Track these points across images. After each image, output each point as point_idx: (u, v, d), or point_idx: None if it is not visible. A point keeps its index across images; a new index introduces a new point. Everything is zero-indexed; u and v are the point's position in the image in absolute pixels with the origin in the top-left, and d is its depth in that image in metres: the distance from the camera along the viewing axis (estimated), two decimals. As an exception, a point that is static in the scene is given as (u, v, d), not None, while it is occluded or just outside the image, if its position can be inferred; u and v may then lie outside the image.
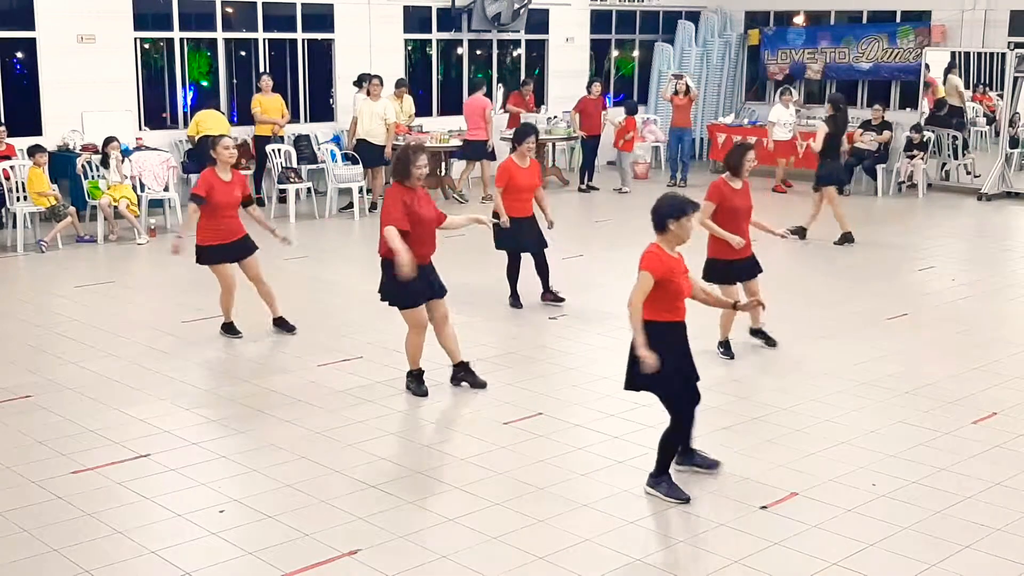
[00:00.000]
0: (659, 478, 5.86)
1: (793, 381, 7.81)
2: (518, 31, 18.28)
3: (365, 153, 14.70)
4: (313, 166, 14.97)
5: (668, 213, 5.68)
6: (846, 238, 12.79)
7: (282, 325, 8.85)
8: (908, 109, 18.44)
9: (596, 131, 16.91)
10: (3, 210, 12.58)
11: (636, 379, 5.76)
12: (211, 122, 14.11)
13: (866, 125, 16.98)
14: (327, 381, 7.71)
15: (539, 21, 18.58)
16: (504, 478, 6.07)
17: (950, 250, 12.82)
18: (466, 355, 7.83)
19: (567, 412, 7.10)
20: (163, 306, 9.60)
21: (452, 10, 17.39)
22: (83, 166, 12.99)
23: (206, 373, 8.06)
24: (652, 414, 7.11)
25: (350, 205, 14.47)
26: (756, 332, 8.68)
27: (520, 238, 9.59)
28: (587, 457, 6.38)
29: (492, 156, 15.98)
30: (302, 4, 15.95)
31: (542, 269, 9.81)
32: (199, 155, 14.20)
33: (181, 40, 15.07)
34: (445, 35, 17.68)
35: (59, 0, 13.76)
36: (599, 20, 19.60)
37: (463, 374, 7.59)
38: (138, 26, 14.56)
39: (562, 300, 9.80)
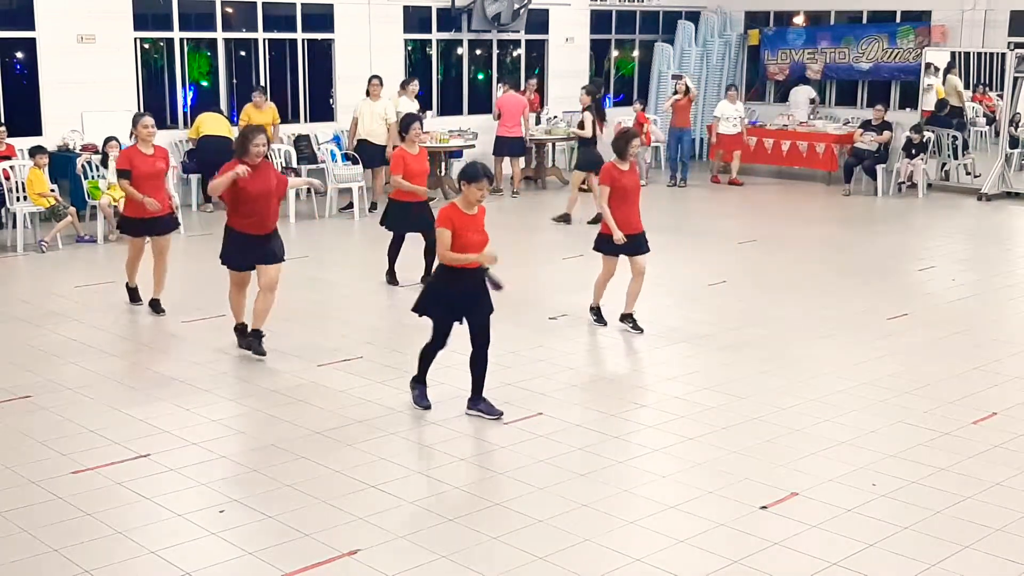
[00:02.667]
0: (418, 385, 7.15)
1: (793, 381, 7.81)
2: (518, 31, 18.28)
3: (366, 153, 14.69)
4: (313, 166, 14.95)
5: (462, 176, 6.80)
6: (564, 218, 13.78)
7: (155, 307, 9.42)
8: (908, 109, 18.44)
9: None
10: (3, 210, 12.58)
11: (419, 306, 7.00)
12: (212, 124, 14.10)
13: (866, 125, 16.98)
14: (327, 381, 7.71)
15: (539, 21, 18.58)
16: (504, 478, 6.08)
17: (950, 250, 12.82)
18: (467, 355, 7.77)
19: (567, 412, 7.10)
20: (163, 306, 9.59)
21: (452, 10, 17.39)
22: (83, 166, 12.99)
23: (206, 373, 8.05)
24: (652, 414, 7.14)
25: (350, 205, 14.46)
26: (625, 317, 8.95)
27: (410, 220, 10.20)
28: (587, 457, 6.37)
29: (524, 152, 16.50)
30: (302, 4, 15.95)
31: (430, 252, 10.15)
32: (200, 156, 14.20)
33: (181, 40, 15.08)
34: (445, 35, 17.69)
35: (59, 0, 13.76)
36: (599, 20, 19.60)
37: (252, 339, 8.21)
38: (138, 26, 14.56)
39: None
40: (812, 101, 19.50)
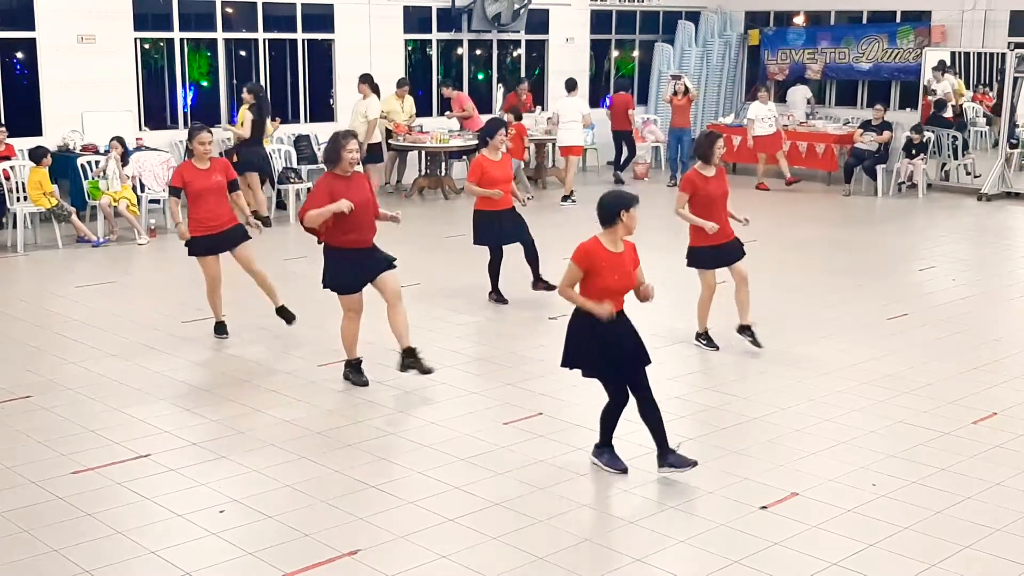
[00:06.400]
0: (602, 449, 6.22)
1: (793, 381, 7.81)
2: (518, 31, 18.27)
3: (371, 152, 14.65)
4: (313, 166, 14.92)
5: (618, 205, 5.95)
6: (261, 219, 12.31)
7: (283, 315, 8.79)
8: (908, 109, 18.44)
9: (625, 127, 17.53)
10: (3, 210, 12.57)
11: (569, 358, 6.12)
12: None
13: (866, 125, 16.98)
14: (327, 381, 7.71)
15: (539, 21, 18.58)
16: (504, 478, 6.07)
17: (950, 250, 12.82)
18: (467, 355, 7.81)
19: (567, 412, 7.10)
20: (163, 306, 9.59)
21: (452, 10, 17.39)
22: (83, 166, 12.97)
23: (206, 373, 8.06)
24: (652, 414, 7.13)
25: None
26: (744, 329, 8.55)
27: (500, 231, 9.74)
28: (587, 457, 6.37)
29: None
30: (302, 4, 15.95)
31: (531, 257, 9.89)
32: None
33: (181, 40, 15.07)
34: (445, 35, 17.68)
35: (59, 0, 13.76)
36: (599, 20, 19.60)
37: (410, 360, 7.55)
38: (138, 26, 14.56)
39: (553, 288, 9.77)
40: (808, 101, 19.50)
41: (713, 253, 8.38)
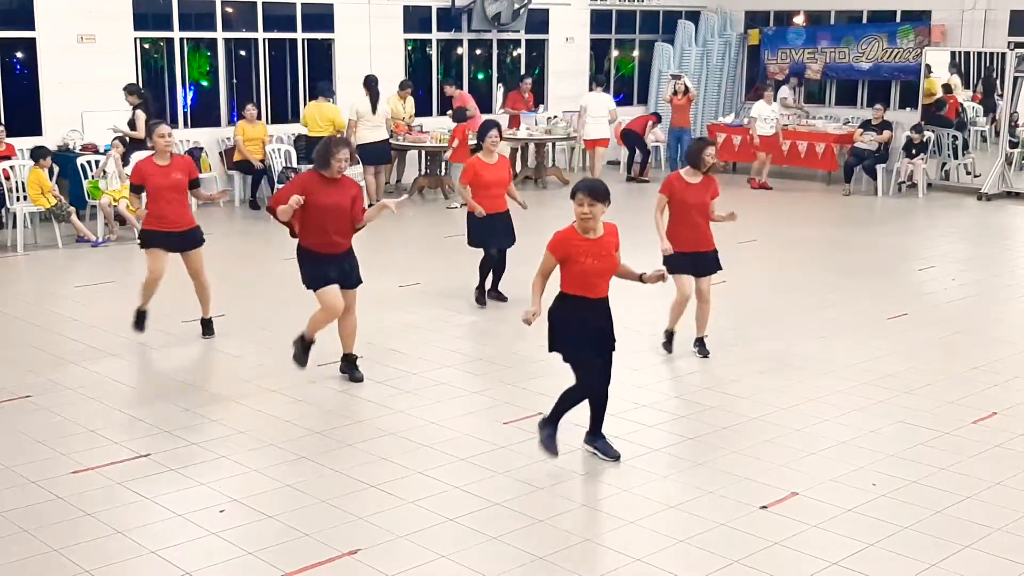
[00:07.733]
0: (546, 425, 6.23)
1: (793, 381, 7.81)
2: (518, 31, 18.29)
3: (364, 153, 14.67)
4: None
5: (572, 192, 6.03)
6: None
7: (206, 327, 8.77)
8: (908, 109, 18.45)
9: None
10: (3, 210, 12.57)
11: (553, 344, 6.20)
12: (315, 117, 14.18)
13: (866, 125, 16.99)
14: (327, 381, 7.71)
15: (539, 21, 18.59)
16: (504, 478, 6.07)
17: (950, 250, 12.82)
18: (467, 355, 7.78)
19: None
20: (163, 306, 9.58)
21: (452, 10, 17.40)
22: (83, 166, 12.98)
23: (206, 373, 8.06)
24: (652, 414, 7.13)
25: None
26: (698, 341, 8.39)
27: (490, 234, 9.73)
28: (587, 457, 6.37)
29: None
30: (302, 4, 15.96)
31: (499, 267, 9.92)
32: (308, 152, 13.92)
33: (181, 40, 15.08)
34: (445, 35, 17.69)
35: (59, 0, 13.77)
36: (599, 20, 19.62)
37: (345, 365, 7.74)
38: (138, 26, 14.58)
39: (504, 300, 9.85)
40: (783, 100, 19.47)
41: (684, 259, 8.07)
